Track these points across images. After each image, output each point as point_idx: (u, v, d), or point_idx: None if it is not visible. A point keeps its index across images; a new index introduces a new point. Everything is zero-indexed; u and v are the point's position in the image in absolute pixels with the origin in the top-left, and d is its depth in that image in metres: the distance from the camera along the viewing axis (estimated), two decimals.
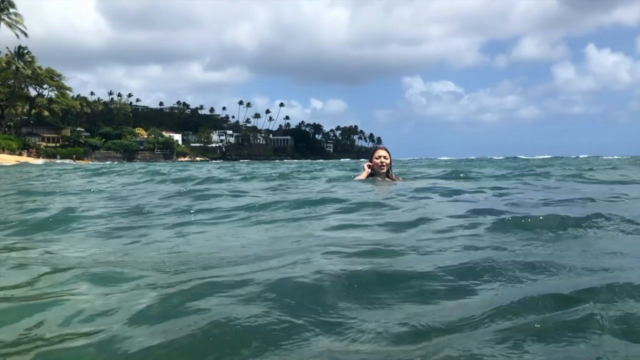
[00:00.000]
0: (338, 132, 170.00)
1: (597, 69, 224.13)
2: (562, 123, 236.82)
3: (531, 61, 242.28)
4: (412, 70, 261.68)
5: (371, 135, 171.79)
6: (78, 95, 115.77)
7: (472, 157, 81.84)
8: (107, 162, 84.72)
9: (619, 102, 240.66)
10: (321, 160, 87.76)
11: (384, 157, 7.72)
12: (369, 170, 7.85)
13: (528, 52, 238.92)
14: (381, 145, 8.08)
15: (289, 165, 31.89)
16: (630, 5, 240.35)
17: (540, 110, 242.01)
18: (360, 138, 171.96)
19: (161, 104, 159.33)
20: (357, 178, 8.11)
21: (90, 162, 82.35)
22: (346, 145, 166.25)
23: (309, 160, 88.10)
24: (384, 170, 7.70)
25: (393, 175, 7.85)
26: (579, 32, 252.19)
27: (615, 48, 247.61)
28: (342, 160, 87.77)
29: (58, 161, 78.54)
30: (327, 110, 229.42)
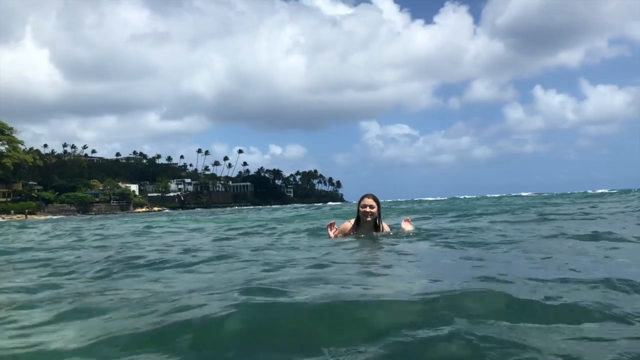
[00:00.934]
0: (298, 177, 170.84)
1: (544, 108, 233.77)
2: (514, 162, 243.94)
3: (482, 103, 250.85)
4: (369, 115, 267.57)
5: (330, 179, 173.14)
6: (30, 149, 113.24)
7: (430, 198, 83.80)
8: (61, 216, 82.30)
9: (567, 140, 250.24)
10: (284, 206, 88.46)
11: (370, 206, 7.07)
12: (349, 224, 7.32)
13: (479, 94, 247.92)
14: (369, 193, 7.21)
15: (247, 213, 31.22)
16: (573, 49, 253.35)
17: (493, 149, 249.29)
18: (320, 182, 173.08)
19: (117, 154, 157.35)
20: (333, 232, 7.56)
21: (42, 217, 79.80)
22: (306, 189, 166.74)
23: (269, 206, 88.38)
24: (369, 219, 7.08)
25: (383, 225, 7.23)
26: (525, 74, 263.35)
27: (560, 89, 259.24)
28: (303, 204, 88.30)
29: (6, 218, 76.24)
30: (287, 156, 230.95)
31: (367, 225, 7.12)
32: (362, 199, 7.17)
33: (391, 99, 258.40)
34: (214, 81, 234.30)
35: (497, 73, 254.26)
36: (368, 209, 7.04)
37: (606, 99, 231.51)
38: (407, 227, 7.77)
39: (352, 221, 7.31)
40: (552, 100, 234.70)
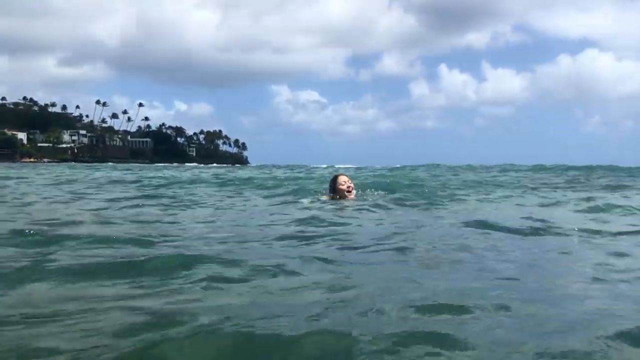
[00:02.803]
0: (202, 136, 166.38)
1: (447, 87, 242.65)
2: (416, 136, 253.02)
3: (391, 77, 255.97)
4: (279, 78, 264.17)
5: (236, 141, 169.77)
6: None
7: (340, 165, 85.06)
8: None
9: (465, 118, 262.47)
10: (187, 165, 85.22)
11: (349, 181, 8.02)
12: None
13: (388, 68, 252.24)
14: (339, 173, 8.33)
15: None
16: (481, 31, 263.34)
17: (397, 123, 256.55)
18: (224, 143, 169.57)
19: (3, 98, 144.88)
20: (324, 198, 8.18)
21: None
22: (210, 150, 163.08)
23: (175, 164, 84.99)
24: (352, 196, 7.90)
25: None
26: (434, 52, 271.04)
27: (464, 69, 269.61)
28: (209, 165, 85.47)
29: None
30: (192, 113, 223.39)
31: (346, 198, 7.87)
32: (336, 178, 8.08)
33: (303, 64, 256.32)
34: (119, 28, 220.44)
35: (408, 48, 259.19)
36: (348, 185, 7.91)
37: (504, 82, 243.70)
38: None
39: (328, 197, 8.08)
40: (455, 79, 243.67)
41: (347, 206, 7.16)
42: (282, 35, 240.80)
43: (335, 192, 7.99)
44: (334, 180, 8.10)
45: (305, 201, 7.99)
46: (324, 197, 8.18)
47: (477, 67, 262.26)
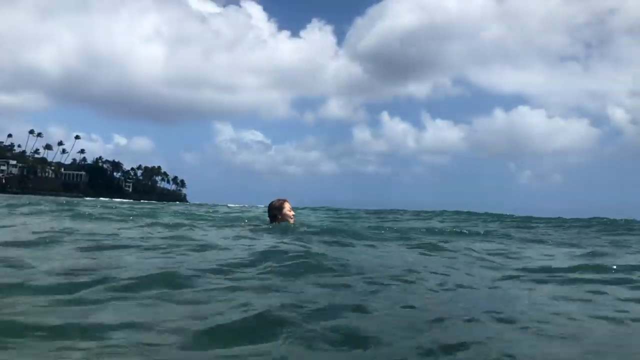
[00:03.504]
0: (139, 172, 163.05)
1: (389, 133, 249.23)
2: (356, 179, 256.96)
3: (334, 121, 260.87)
4: (224, 117, 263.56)
5: (175, 178, 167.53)
6: None
7: None
8: None
9: (405, 165, 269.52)
10: (115, 200, 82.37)
11: (291, 209, 8.04)
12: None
13: (333, 112, 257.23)
14: (281, 198, 8.14)
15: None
16: (422, 82, 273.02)
17: (339, 166, 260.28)
18: (163, 180, 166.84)
19: None
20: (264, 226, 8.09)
21: None
22: (147, 185, 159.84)
23: (106, 199, 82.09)
24: (293, 221, 8.01)
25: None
26: (377, 99, 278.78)
27: (404, 117, 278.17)
28: (142, 201, 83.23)
29: None
30: (132, 148, 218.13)
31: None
32: (281, 204, 7.97)
33: (249, 104, 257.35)
34: (61, 58, 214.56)
35: (352, 94, 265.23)
36: (292, 211, 8.02)
37: (443, 132, 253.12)
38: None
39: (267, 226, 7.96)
40: (396, 127, 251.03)
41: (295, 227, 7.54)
42: (230, 74, 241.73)
43: (278, 218, 7.93)
44: (278, 206, 8.00)
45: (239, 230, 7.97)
46: (264, 225, 8.11)
47: (417, 116, 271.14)
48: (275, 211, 7.98)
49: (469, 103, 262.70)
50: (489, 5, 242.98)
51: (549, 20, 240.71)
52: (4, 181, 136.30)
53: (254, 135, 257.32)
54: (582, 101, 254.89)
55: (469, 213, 21.77)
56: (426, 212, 23.42)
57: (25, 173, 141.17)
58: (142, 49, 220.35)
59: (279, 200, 8.11)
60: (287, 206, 8.01)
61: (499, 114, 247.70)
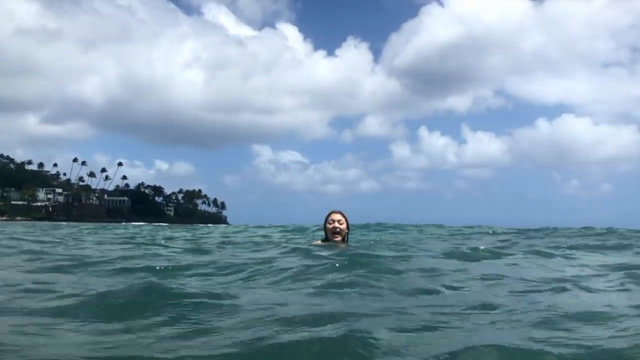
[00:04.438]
0: (180, 196, 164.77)
1: (428, 149, 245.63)
2: (397, 197, 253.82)
3: (373, 138, 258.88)
4: (262, 139, 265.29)
5: (215, 200, 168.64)
6: None
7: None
8: None
9: (445, 180, 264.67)
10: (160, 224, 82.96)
11: (339, 221, 6.72)
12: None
13: (371, 129, 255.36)
14: (335, 210, 6.89)
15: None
16: (461, 95, 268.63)
17: (379, 183, 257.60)
18: (204, 202, 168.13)
19: None
20: (314, 243, 7.18)
21: None
22: (188, 209, 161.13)
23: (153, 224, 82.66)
24: (338, 239, 6.67)
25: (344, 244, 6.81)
26: (416, 114, 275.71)
27: (444, 131, 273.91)
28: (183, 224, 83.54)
29: None
30: (173, 173, 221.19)
31: (335, 242, 6.74)
32: (329, 215, 6.84)
33: (286, 125, 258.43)
34: (104, 87, 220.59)
35: (390, 110, 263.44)
36: (337, 224, 6.69)
37: (484, 145, 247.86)
38: None
39: (319, 242, 6.98)
40: (435, 142, 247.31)
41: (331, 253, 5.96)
42: (268, 96, 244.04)
43: (325, 233, 6.91)
44: (327, 216, 6.91)
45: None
46: (315, 242, 7.15)
47: (458, 130, 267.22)
48: (324, 223, 6.93)
49: (510, 114, 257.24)
50: (528, 14, 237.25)
51: (591, 25, 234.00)
52: (50, 209, 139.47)
53: (292, 156, 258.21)
54: (629, 107, 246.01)
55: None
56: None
57: (70, 200, 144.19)
58: (181, 75, 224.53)
59: (330, 212, 6.98)
60: (330, 217, 6.84)
61: (542, 124, 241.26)
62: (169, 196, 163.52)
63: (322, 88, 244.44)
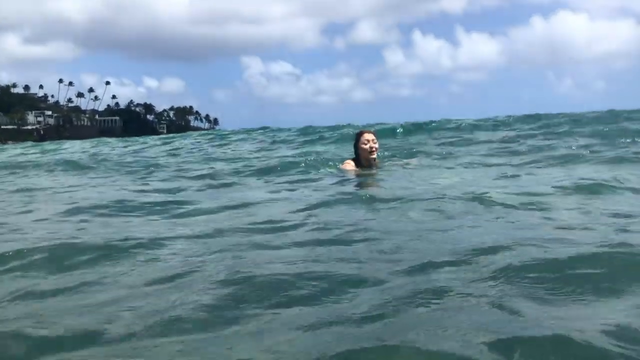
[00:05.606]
0: (172, 113, 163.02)
1: (422, 53, 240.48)
2: (391, 105, 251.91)
3: (366, 45, 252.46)
4: (252, 50, 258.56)
5: (207, 116, 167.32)
6: None
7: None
8: None
9: (439, 85, 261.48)
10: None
11: (372, 140, 6.56)
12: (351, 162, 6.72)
13: (364, 35, 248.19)
14: (366, 129, 6.94)
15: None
16: None
17: (372, 91, 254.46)
18: (196, 119, 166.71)
19: None
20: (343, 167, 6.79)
21: None
22: (181, 126, 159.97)
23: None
24: (374, 156, 6.61)
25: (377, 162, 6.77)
26: (409, 17, 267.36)
27: (438, 34, 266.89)
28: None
29: None
30: (163, 90, 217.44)
31: (369, 162, 6.59)
32: (361, 135, 6.65)
33: (276, 34, 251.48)
34: (86, 3, 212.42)
35: (383, 14, 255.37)
36: (372, 144, 6.53)
37: (478, 47, 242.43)
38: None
39: (350, 162, 6.72)
40: (429, 45, 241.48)
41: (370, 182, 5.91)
42: (255, 4, 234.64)
43: (358, 155, 6.69)
44: (358, 136, 6.75)
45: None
46: (343, 166, 6.78)
47: (451, 32, 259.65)
48: (356, 144, 6.75)
49: (505, 13, 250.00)
50: None
51: None
52: (42, 132, 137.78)
53: (283, 67, 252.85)
54: (627, 0, 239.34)
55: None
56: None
57: (61, 123, 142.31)
58: None
59: (360, 131, 6.91)
60: (364, 137, 6.62)
61: (537, 22, 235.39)
62: (161, 113, 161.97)
63: None
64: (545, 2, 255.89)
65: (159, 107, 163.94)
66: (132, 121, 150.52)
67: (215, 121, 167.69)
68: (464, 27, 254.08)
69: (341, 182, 5.85)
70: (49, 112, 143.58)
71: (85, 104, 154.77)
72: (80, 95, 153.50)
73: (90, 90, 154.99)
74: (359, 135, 6.74)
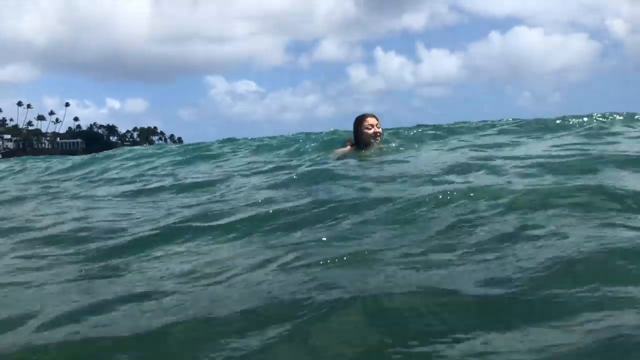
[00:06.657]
0: (136, 134, 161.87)
1: (384, 70, 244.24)
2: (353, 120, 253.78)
3: (330, 62, 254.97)
4: (216, 70, 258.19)
5: (172, 136, 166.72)
6: None
7: None
8: None
9: (402, 100, 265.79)
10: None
11: (376, 124, 5.98)
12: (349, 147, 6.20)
13: (328, 53, 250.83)
14: (368, 113, 6.14)
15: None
16: (417, 12, 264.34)
17: (336, 108, 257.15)
18: (160, 139, 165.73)
19: None
20: (337, 151, 6.28)
21: None
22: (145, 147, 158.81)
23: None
24: (379, 140, 6.05)
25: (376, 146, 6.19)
26: (372, 35, 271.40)
27: (399, 51, 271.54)
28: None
29: None
30: (126, 111, 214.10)
31: (371, 146, 5.97)
32: (363, 120, 5.99)
33: (240, 53, 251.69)
34: (45, 25, 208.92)
35: (347, 32, 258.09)
36: (376, 128, 5.93)
37: (439, 62, 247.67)
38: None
39: (349, 148, 6.13)
40: (391, 62, 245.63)
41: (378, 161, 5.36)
42: (219, 23, 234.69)
43: (359, 140, 6.05)
44: (360, 121, 6.04)
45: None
46: (339, 151, 6.22)
47: (412, 49, 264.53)
48: (357, 128, 6.08)
49: (465, 29, 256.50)
50: None
51: None
52: (1, 156, 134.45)
53: (247, 86, 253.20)
54: (579, 15, 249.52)
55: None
56: None
57: (21, 146, 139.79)
58: (125, 7, 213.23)
59: (362, 115, 6.17)
60: (367, 122, 5.98)
61: (495, 37, 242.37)
62: (124, 135, 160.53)
63: (275, 12, 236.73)
64: (501, 19, 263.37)
65: (123, 128, 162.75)
66: (94, 143, 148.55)
67: (180, 140, 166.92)
68: (424, 44, 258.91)
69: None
70: (8, 136, 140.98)
71: (46, 126, 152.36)
72: (40, 117, 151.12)
73: (51, 112, 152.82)
74: (360, 119, 6.06)
